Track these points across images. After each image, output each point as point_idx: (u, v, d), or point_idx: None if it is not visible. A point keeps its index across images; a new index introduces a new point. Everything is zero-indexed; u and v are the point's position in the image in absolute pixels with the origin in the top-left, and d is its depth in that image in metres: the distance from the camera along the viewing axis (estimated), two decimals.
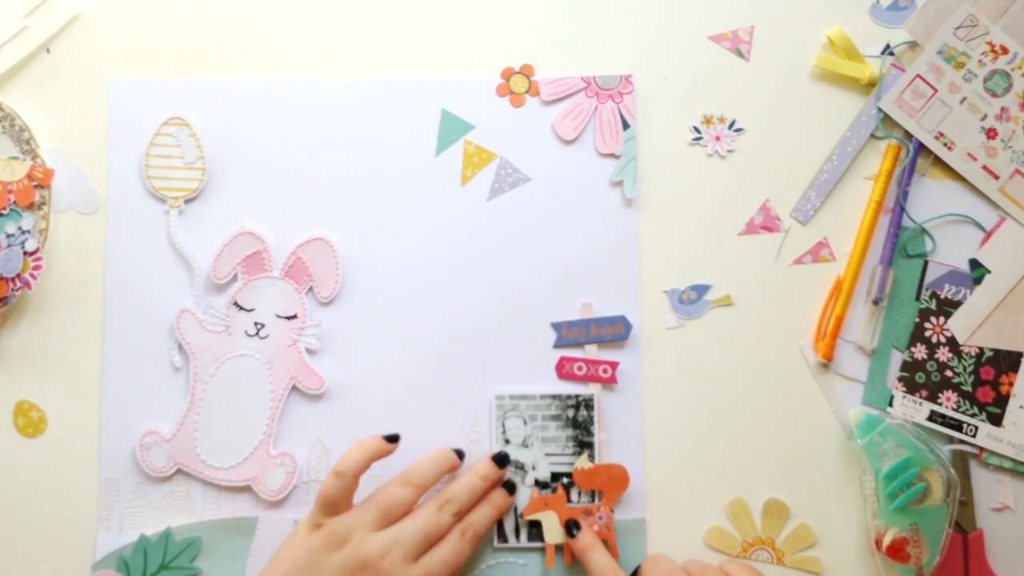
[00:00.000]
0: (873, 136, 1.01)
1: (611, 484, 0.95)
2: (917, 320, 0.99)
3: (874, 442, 0.96)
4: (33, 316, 0.99)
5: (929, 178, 1.01)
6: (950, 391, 0.98)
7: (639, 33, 1.03)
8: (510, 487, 0.95)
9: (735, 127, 1.02)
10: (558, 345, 0.99)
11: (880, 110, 1.01)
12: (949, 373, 0.98)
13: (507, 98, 1.01)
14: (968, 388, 0.98)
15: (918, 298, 1.00)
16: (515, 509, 0.96)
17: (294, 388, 0.97)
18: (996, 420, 0.98)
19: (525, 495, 0.96)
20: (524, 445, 0.96)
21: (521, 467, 0.96)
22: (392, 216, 1.00)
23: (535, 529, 0.96)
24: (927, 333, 0.99)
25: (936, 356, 0.99)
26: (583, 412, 0.97)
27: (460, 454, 0.95)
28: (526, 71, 1.02)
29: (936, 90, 1.01)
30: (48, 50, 1.01)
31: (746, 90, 1.02)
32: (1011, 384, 0.98)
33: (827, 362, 0.99)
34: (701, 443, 0.98)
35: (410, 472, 0.92)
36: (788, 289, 1.00)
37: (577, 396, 0.98)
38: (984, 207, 1.01)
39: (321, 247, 0.98)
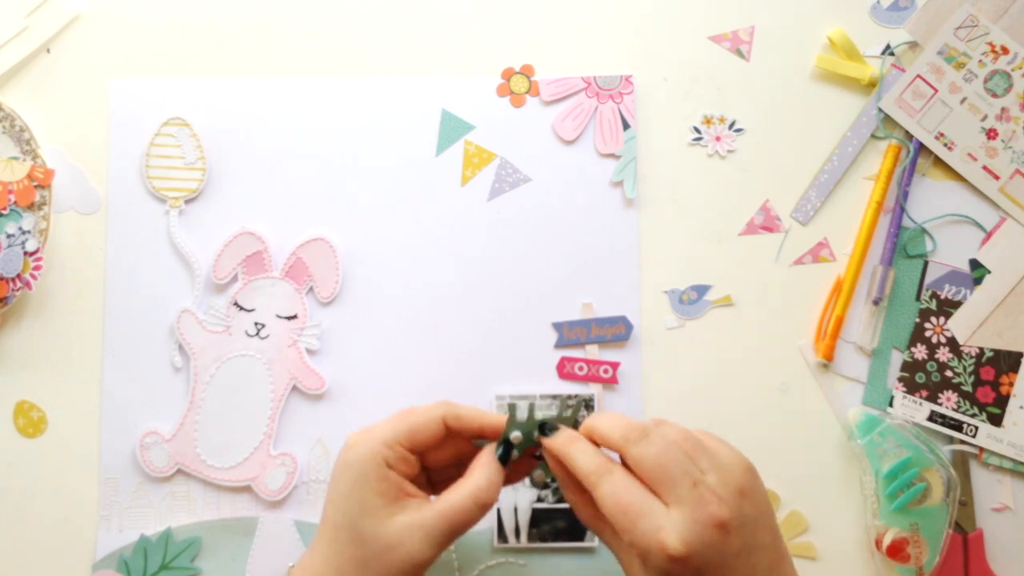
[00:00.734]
0: (873, 136, 1.01)
1: None
2: (917, 320, 0.99)
3: (874, 442, 0.96)
4: (33, 316, 0.99)
5: (929, 178, 1.01)
6: (950, 391, 0.98)
7: (639, 33, 1.03)
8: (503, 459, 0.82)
9: (735, 127, 1.02)
10: (559, 345, 0.99)
11: (880, 110, 1.01)
12: (949, 373, 0.98)
13: (507, 98, 1.01)
14: (968, 388, 0.98)
15: (918, 298, 1.00)
16: (515, 510, 0.96)
17: (294, 388, 0.97)
18: (996, 420, 0.98)
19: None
20: None
21: None
22: (392, 216, 1.00)
23: (535, 529, 0.96)
24: (927, 333, 0.99)
25: (936, 356, 0.99)
26: (583, 412, 0.97)
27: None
28: (526, 71, 1.02)
29: (936, 90, 1.01)
30: (48, 50, 1.01)
31: (746, 90, 1.02)
32: (1011, 384, 0.98)
33: (827, 362, 0.99)
34: None
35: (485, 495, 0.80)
36: (788, 289, 1.00)
37: (577, 396, 0.98)
38: (984, 207, 1.01)
39: (321, 247, 0.98)
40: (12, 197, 0.96)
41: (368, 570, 0.77)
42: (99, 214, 0.99)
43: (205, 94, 1.01)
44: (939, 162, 1.01)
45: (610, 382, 0.98)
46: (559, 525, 0.96)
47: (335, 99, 1.01)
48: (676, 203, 1.01)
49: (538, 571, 0.96)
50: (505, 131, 1.01)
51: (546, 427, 0.81)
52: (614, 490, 0.74)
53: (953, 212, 1.01)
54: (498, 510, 0.96)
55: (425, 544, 0.76)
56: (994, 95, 1.01)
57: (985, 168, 1.00)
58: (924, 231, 1.00)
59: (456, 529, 0.78)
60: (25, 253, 0.96)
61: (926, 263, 1.00)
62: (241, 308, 0.98)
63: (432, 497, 0.81)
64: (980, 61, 1.01)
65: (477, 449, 0.82)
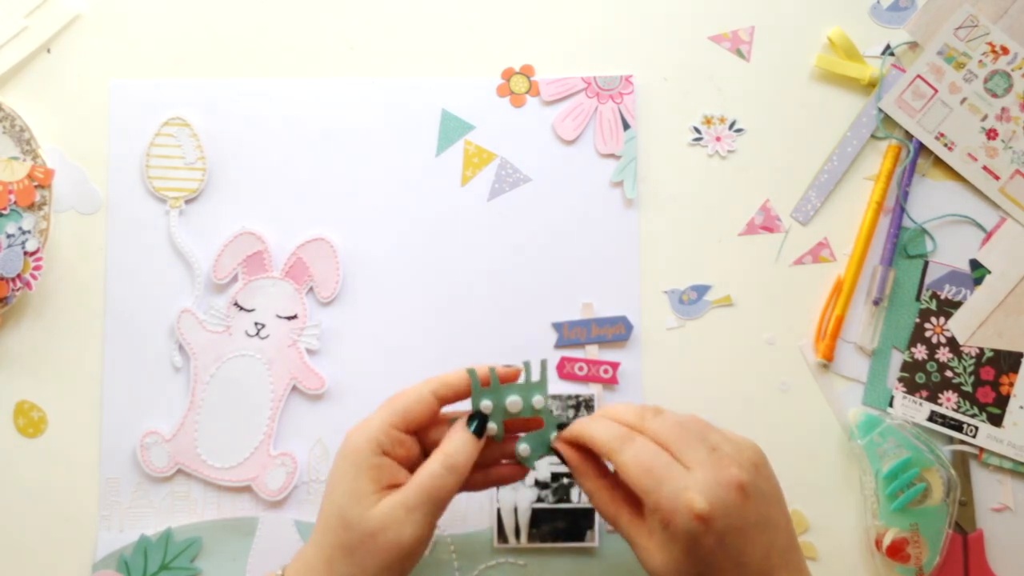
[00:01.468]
0: (873, 136, 1.01)
1: None
2: (917, 320, 0.99)
3: (874, 442, 0.96)
4: (33, 316, 0.99)
5: (929, 178, 1.01)
6: (950, 391, 0.98)
7: (639, 33, 1.03)
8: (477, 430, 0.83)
9: (735, 127, 1.02)
10: (559, 345, 0.99)
11: (880, 110, 1.01)
12: (949, 373, 0.98)
13: (507, 98, 1.01)
14: (968, 388, 0.98)
15: (918, 298, 1.00)
16: (515, 510, 0.96)
17: (294, 388, 0.97)
18: (996, 420, 0.98)
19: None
20: None
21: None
22: (392, 216, 1.00)
23: (535, 529, 0.96)
24: (927, 333, 0.99)
25: (936, 356, 0.99)
26: (583, 413, 0.97)
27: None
28: (526, 71, 1.02)
29: (936, 90, 1.01)
30: (48, 50, 1.01)
31: (746, 90, 1.02)
32: (1011, 384, 0.98)
33: (827, 362, 0.99)
34: None
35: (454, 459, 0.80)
36: (788, 289, 1.00)
37: (577, 397, 0.98)
38: (984, 207, 1.01)
39: (321, 247, 0.98)
40: (12, 197, 0.96)
41: (355, 556, 0.77)
42: (99, 214, 0.99)
43: (205, 94, 1.01)
44: (939, 162, 1.01)
45: (610, 382, 0.98)
46: (559, 525, 0.96)
47: (335, 99, 1.01)
48: (676, 203, 1.01)
49: (538, 571, 0.96)
50: (505, 131, 1.01)
51: (560, 425, 0.83)
52: (637, 453, 0.75)
53: (953, 212, 1.01)
54: (498, 510, 0.96)
55: (407, 521, 0.76)
56: (994, 95, 1.01)
57: (985, 168, 1.00)
58: (924, 231, 1.00)
59: (434, 499, 0.78)
60: (25, 253, 0.96)
61: (926, 263, 1.00)
62: (241, 308, 0.98)
63: None
64: (980, 61, 1.01)
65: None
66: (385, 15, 1.02)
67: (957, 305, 0.99)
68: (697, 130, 1.02)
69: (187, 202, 0.99)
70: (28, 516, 0.97)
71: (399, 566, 0.77)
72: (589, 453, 0.80)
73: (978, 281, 1.00)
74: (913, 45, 1.02)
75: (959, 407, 0.98)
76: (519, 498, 0.96)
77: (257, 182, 1.00)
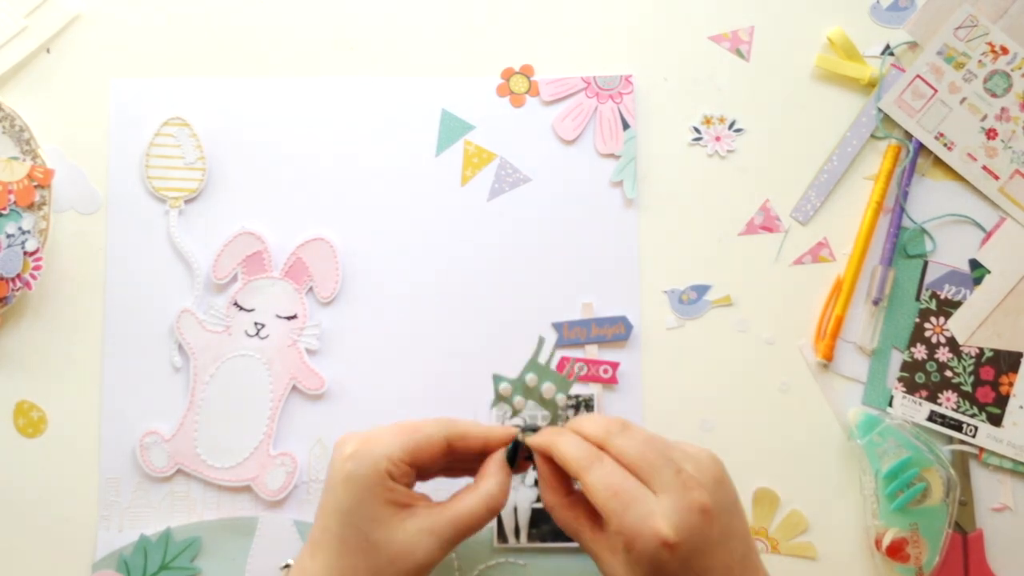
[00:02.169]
0: (873, 136, 1.01)
1: None
2: (917, 320, 0.99)
3: (874, 442, 0.96)
4: (33, 316, 0.99)
5: (929, 178, 1.01)
6: (950, 391, 0.98)
7: (639, 33, 1.03)
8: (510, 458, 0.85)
9: (735, 127, 1.02)
10: (559, 345, 0.99)
11: (880, 110, 1.01)
12: (949, 373, 0.98)
13: (507, 98, 1.01)
14: (968, 388, 0.98)
15: (918, 298, 1.00)
16: (515, 510, 0.97)
17: (294, 388, 0.97)
18: (996, 420, 0.98)
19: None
20: None
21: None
22: (392, 216, 1.00)
23: (535, 529, 0.96)
24: (927, 333, 0.99)
25: (936, 356, 0.99)
26: (583, 412, 0.97)
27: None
28: (526, 71, 1.02)
29: (936, 90, 1.01)
30: (48, 50, 1.01)
31: (746, 90, 1.02)
32: (1011, 384, 0.98)
33: (827, 362, 0.99)
34: (701, 443, 0.97)
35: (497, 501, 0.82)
36: (788, 289, 1.00)
37: (577, 396, 0.98)
38: (984, 207, 1.01)
39: (321, 247, 0.98)
40: (12, 197, 0.96)
41: None
42: (99, 214, 0.99)
43: (205, 94, 1.01)
44: (939, 162, 1.01)
45: (610, 382, 0.98)
46: None
47: (335, 99, 1.01)
48: (676, 203, 1.01)
49: (538, 571, 0.96)
50: (505, 131, 1.01)
51: (530, 429, 0.84)
52: (604, 476, 0.75)
53: (953, 212, 1.01)
54: None
55: (435, 547, 0.78)
56: (994, 95, 1.01)
57: (985, 168, 1.00)
58: (924, 231, 1.00)
59: (466, 533, 0.80)
60: (25, 253, 0.96)
61: (926, 263, 1.00)
62: (241, 308, 0.98)
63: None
64: (980, 61, 1.01)
65: (470, 460, 0.85)
66: (385, 15, 1.02)
67: (957, 305, 0.99)
68: (697, 130, 1.02)
69: (187, 202, 0.99)
70: (28, 516, 0.97)
71: None
72: (557, 466, 0.81)
73: (978, 281, 1.00)
74: (913, 45, 1.02)
75: (959, 407, 0.98)
76: (519, 498, 0.96)
77: (257, 182, 1.00)
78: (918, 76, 1.01)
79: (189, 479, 0.97)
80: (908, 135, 1.01)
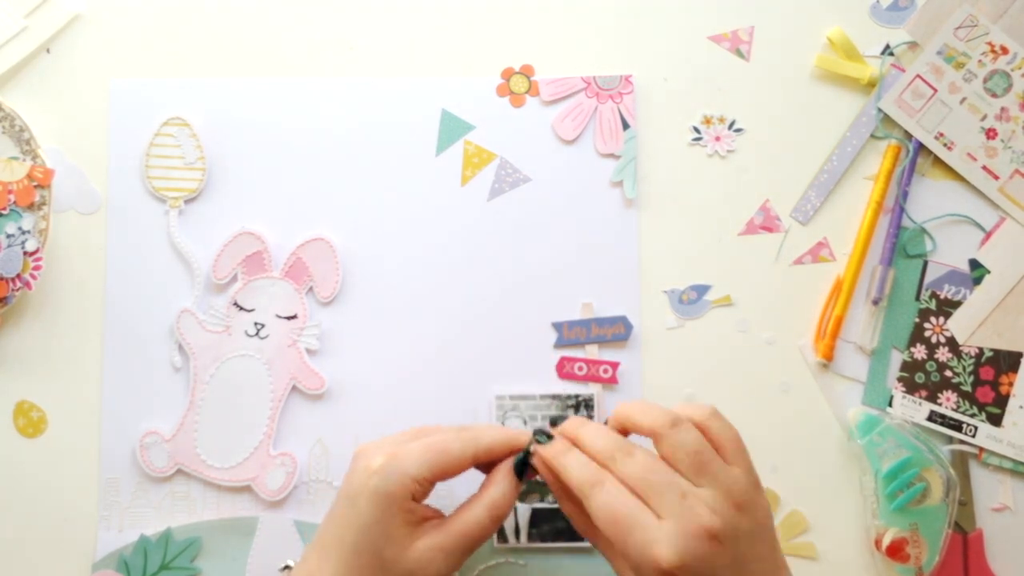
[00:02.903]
0: (873, 136, 1.01)
1: None
2: (917, 320, 0.99)
3: (874, 442, 0.96)
4: (33, 316, 0.99)
5: (929, 178, 1.01)
6: (950, 391, 0.98)
7: (639, 33, 1.03)
8: (518, 471, 0.83)
9: (735, 127, 1.02)
10: (559, 345, 0.99)
11: (880, 110, 1.01)
12: (949, 373, 0.98)
13: (507, 98, 1.01)
14: (968, 388, 0.98)
15: (918, 298, 1.00)
16: (515, 510, 0.96)
17: (294, 388, 0.97)
18: (996, 420, 0.98)
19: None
20: None
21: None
22: (392, 216, 1.00)
23: (535, 529, 0.96)
24: (927, 333, 0.99)
25: (936, 356, 0.99)
26: (583, 412, 0.97)
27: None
28: (526, 71, 1.02)
29: (936, 90, 1.01)
30: (48, 50, 1.01)
31: (746, 90, 1.02)
32: (1011, 384, 0.98)
33: (827, 362, 0.99)
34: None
35: (501, 510, 0.82)
36: (788, 289, 1.00)
37: (577, 396, 0.98)
38: (984, 207, 1.01)
39: (321, 247, 0.98)
40: (12, 197, 0.96)
41: None
42: (99, 214, 0.99)
43: (205, 94, 1.01)
44: (939, 162, 1.01)
45: (610, 382, 0.98)
46: (559, 525, 0.96)
47: (335, 99, 1.01)
48: (676, 203, 1.01)
49: (538, 571, 0.96)
50: (505, 131, 1.01)
51: (542, 433, 0.82)
52: (607, 501, 0.74)
53: (953, 212, 1.01)
54: None
55: (444, 565, 0.78)
56: (994, 95, 1.01)
57: (985, 168, 1.00)
58: (924, 231, 1.00)
59: (473, 546, 0.80)
60: (25, 253, 0.96)
61: (926, 263, 1.00)
62: (241, 308, 0.98)
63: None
64: (980, 61, 1.01)
65: (492, 466, 0.84)
66: (385, 15, 1.02)
67: (957, 305, 0.99)
68: (697, 130, 1.02)
69: (187, 202, 0.99)
70: (27, 516, 0.97)
71: None
72: None
73: (978, 281, 1.00)
74: (913, 45, 1.02)
75: (958, 407, 0.98)
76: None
77: (257, 182, 1.00)
78: (918, 76, 1.01)
79: (189, 479, 0.97)
80: (908, 135, 1.01)
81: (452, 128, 1.01)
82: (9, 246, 0.95)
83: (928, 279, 1.00)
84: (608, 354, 0.99)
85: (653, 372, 0.99)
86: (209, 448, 0.96)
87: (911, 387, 0.99)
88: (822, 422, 0.99)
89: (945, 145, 1.00)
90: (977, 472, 0.98)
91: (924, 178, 1.01)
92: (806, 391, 0.99)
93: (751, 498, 0.76)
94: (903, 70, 1.02)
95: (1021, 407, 0.98)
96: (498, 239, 1.00)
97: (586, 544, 0.95)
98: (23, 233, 0.96)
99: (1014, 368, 0.98)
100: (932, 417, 0.98)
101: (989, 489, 0.98)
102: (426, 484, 0.79)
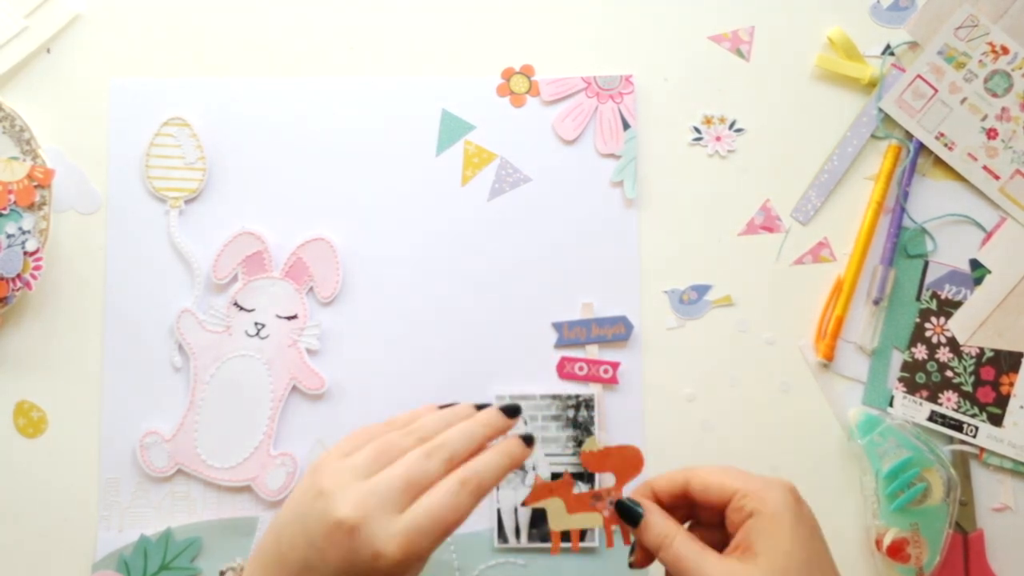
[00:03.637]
0: (873, 136, 1.01)
1: (623, 467, 0.84)
2: (917, 320, 0.99)
3: (874, 442, 0.96)
4: (33, 316, 0.99)
5: (929, 178, 1.01)
6: (950, 391, 0.98)
7: (639, 33, 1.03)
8: (527, 439, 0.79)
9: (735, 127, 1.02)
10: (559, 345, 0.99)
11: (880, 110, 1.01)
12: (949, 373, 0.98)
13: (507, 98, 1.01)
14: (968, 388, 0.98)
15: (918, 298, 1.00)
16: (515, 510, 0.96)
17: (294, 388, 0.97)
18: (996, 420, 0.98)
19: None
20: None
21: (522, 468, 0.96)
22: (392, 216, 1.00)
23: (535, 529, 0.96)
24: (927, 333, 0.99)
25: (936, 356, 0.99)
26: (583, 412, 0.97)
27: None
28: (526, 71, 1.02)
29: (936, 90, 1.01)
30: (48, 50, 1.01)
31: (746, 90, 1.02)
32: (1011, 384, 0.98)
33: (827, 362, 0.99)
34: (701, 443, 0.98)
35: (425, 428, 0.78)
36: (788, 289, 1.00)
37: (577, 396, 0.98)
38: (984, 207, 1.01)
39: (321, 247, 0.98)
40: (12, 197, 0.96)
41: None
42: (99, 214, 0.99)
43: (205, 94, 1.01)
44: (939, 162, 1.01)
45: (610, 382, 0.98)
46: None
47: (335, 99, 1.01)
48: (676, 203, 1.01)
49: (538, 571, 0.96)
50: (505, 131, 1.01)
51: (626, 509, 0.78)
52: (710, 471, 0.76)
53: (953, 212, 1.01)
54: (498, 510, 0.96)
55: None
56: (994, 95, 1.01)
57: (985, 168, 1.00)
58: (924, 231, 1.00)
59: (443, 526, 0.72)
60: (25, 253, 0.96)
61: (926, 263, 1.00)
62: (241, 308, 0.98)
63: None
64: (980, 61, 1.01)
65: None
66: (385, 15, 1.02)
67: (957, 305, 0.99)
68: (697, 130, 1.02)
69: (187, 202, 0.99)
70: (28, 516, 0.97)
71: None
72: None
73: (978, 281, 1.00)
74: (913, 45, 1.02)
75: (959, 407, 0.98)
76: (519, 498, 0.96)
77: (257, 182, 1.00)
78: (918, 76, 1.01)
79: (189, 479, 0.97)
80: (908, 135, 1.01)
81: (452, 128, 1.01)
82: (9, 246, 0.95)
83: (929, 279, 1.00)
84: (608, 354, 0.99)
85: (653, 372, 0.99)
86: (209, 448, 0.96)
87: (912, 387, 0.99)
88: (822, 422, 0.99)
89: (946, 145, 1.00)
90: (978, 472, 0.98)
91: (925, 178, 1.01)
92: (806, 391, 0.99)
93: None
94: (904, 70, 1.02)
95: (1022, 407, 0.98)
96: (498, 239, 1.00)
97: (586, 544, 0.95)
98: (23, 233, 0.96)
99: (1015, 368, 0.98)
100: (933, 417, 0.98)
101: (990, 489, 0.98)
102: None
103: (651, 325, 1.00)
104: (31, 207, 0.97)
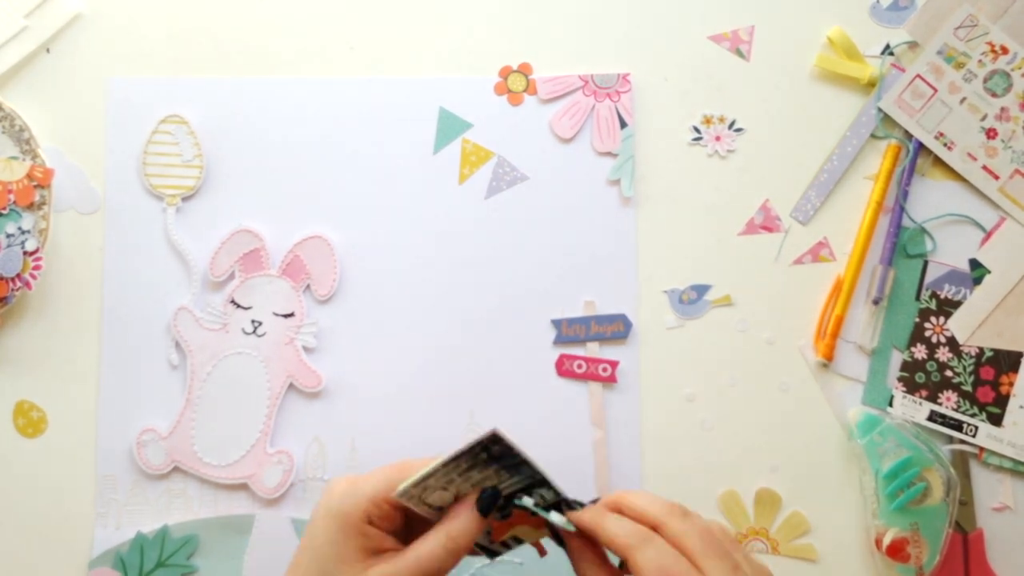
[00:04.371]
0: (873, 136, 1.01)
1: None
2: (917, 320, 0.99)
3: (874, 442, 0.95)
4: (33, 316, 0.99)
5: (929, 178, 1.01)
6: (950, 391, 0.98)
7: (639, 33, 1.03)
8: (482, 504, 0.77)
9: (735, 127, 1.02)
10: (558, 342, 0.99)
11: (880, 110, 1.01)
12: (949, 373, 0.98)
13: (505, 96, 1.01)
14: (968, 388, 0.98)
15: (918, 298, 1.00)
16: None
17: (291, 386, 0.97)
18: (996, 420, 0.97)
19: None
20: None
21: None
22: (390, 214, 1.00)
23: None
24: (927, 333, 0.99)
25: (936, 356, 0.99)
26: (495, 447, 0.86)
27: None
28: (524, 69, 1.02)
29: (936, 90, 1.01)
30: (48, 50, 1.01)
31: (746, 90, 1.02)
32: (1011, 384, 0.98)
33: (827, 362, 0.99)
34: (700, 443, 0.98)
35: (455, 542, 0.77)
36: (788, 289, 1.00)
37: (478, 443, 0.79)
38: (984, 207, 1.01)
39: (319, 245, 0.98)
40: (12, 197, 0.97)
41: None
42: (98, 214, 0.99)
43: (203, 92, 1.01)
44: (939, 162, 1.01)
45: (609, 380, 0.98)
46: None
47: (333, 97, 1.01)
48: (676, 203, 1.01)
49: (537, 571, 0.96)
50: (503, 129, 1.01)
51: (568, 504, 0.77)
52: (657, 555, 0.71)
53: (953, 212, 1.01)
54: None
55: None
56: (994, 95, 1.01)
57: (985, 168, 1.00)
58: (924, 231, 1.00)
59: None
60: (25, 253, 0.96)
61: (926, 263, 1.00)
62: (238, 306, 0.98)
63: None
64: (980, 61, 1.01)
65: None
66: (383, 14, 1.03)
67: (957, 305, 0.99)
68: (697, 129, 1.02)
69: (184, 200, 0.99)
70: (25, 515, 0.97)
71: None
72: (588, 539, 0.77)
73: (978, 281, 1.00)
74: (913, 45, 1.02)
75: (959, 407, 0.98)
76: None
77: (254, 180, 1.00)
78: (918, 76, 1.01)
79: (186, 476, 0.97)
80: (908, 135, 1.01)
81: (450, 126, 1.01)
82: (9, 246, 0.96)
83: (928, 279, 1.00)
84: (608, 353, 0.99)
85: (652, 372, 0.99)
86: (206, 446, 0.96)
87: (911, 387, 0.98)
88: (822, 422, 0.99)
89: (945, 145, 1.00)
90: (977, 472, 0.98)
91: (924, 178, 1.01)
92: (806, 391, 0.99)
93: None
94: (903, 70, 1.02)
95: (1021, 407, 0.97)
96: (496, 237, 1.00)
97: None
98: (23, 233, 0.96)
99: (1014, 368, 0.98)
100: (932, 417, 0.98)
101: (989, 489, 0.98)
102: (383, 505, 0.76)
103: (650, 324, 1.00)
104: (31, 207, 0.98)
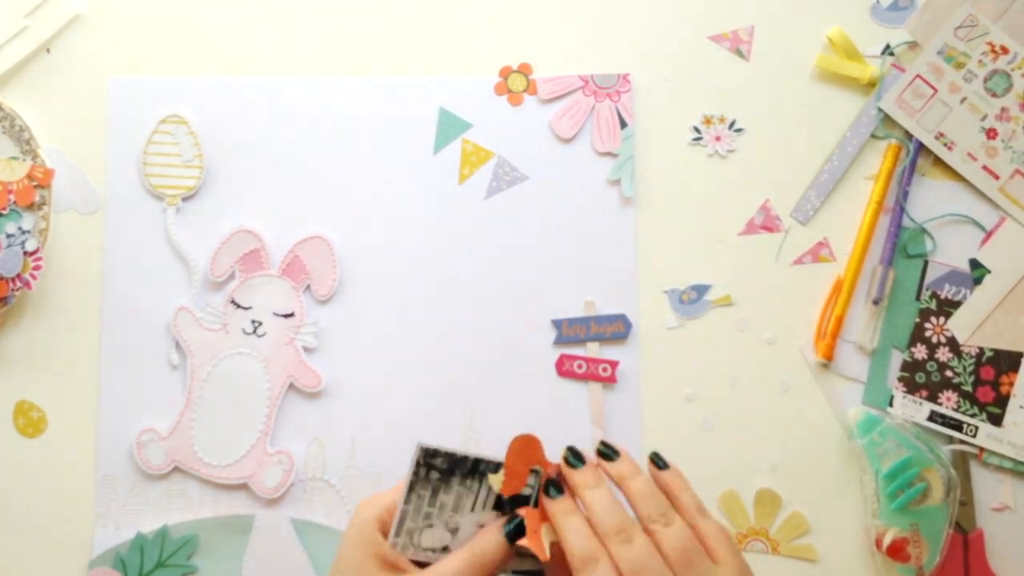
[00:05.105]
0: (873, 136, 1.01)
1: (525, 457, 0.77)
2: (917, 320, 0.99)
3: (874, 442, 0.95)
4: (33, 316, 0.99)
5: (929, 178, 1.01)
6: (950, 391, 0.98)
7: (639, 33, 1.03)
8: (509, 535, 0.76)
9: (735, 127, 1.02)
10: (558, 342, 0.99)
11: (880, 110, 1.01)
12: (949, 373, 0.98)
13: (505, 97, 1.01)
14: (968, 388, 0.98)
15: (918, 298, 0.99)
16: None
17: (291, 386, 0.97)
18: (996, 420, 0.97)
19: None
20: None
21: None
22: (390, 214, 1.00)
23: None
24: (927, 333, 0.99)
25: (936, 356, 0.99)
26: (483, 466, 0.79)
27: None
28: (524, 70, 1.02)
29: (936, 90, 1.01)
30: (48, 50, 1.01)
31: (746, 90, 1.02)
32: (1011, 384, 0.98)
33: (827, 362, 0.99)
34: (700, 443, 0.98)
35: (484, 556, 0.75)
36: (788, 289, 1.00)
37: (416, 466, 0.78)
38: (984, 207, 1.01)
39: (319, 245, 0.98)
40: (12, 197, 0.97)
41: None
42: (98, 214, 0.99)
43: (203, 92, 1.01)
44: (939, 162, 1.01)
45: (609, 380, 0.98)
46: None
47: (333, 97, 1.01)
48: (676, 202, 1.01)
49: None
50: (503, 129, 1.01)
51: (554, 485, 0.76)
52: None
53: (953, 212, 1.01)
54: None
55: None
56: (994, 95, 1.01)
57: (985, 168, 1.00)
58: (924, 231, 1.00)
59: None
60: (25, 253, 0.96)
61: (926, 263, 1.00)
62: (238, 306, 0.98)
63: None
64: (980, 61, 1.01)
65: None
66: (383, 14, 1.03)
67: (957, 305, 0.99)
68: (697, 130, 1.02)
69: (184, 200, 0.99)
70: (25, 515, 0.97)
71: None
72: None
73: (978, 281, 1.00)
74: (913, 45, 1.02)
75: (959, 407, 0.98)
76: None
77: (254, 180, 1.00)
78: (918, 76, 1.01)
79: (186, 476, 0.97)
80: (908, 135, 1.01)
81: (450, 126, 1.01)
82: (9, 246, 0.96)
83: (928, 279, 1.00)
84: (608, 353, 0.99)
85: (652, 372, 0.99)
86: (206, 446, 0.96)
87: (911, 387, 0.98)
88: (822, 422, 0.99)
89: (945, 145, 1.00)
90: (977, 472, 0.98)
91: (924, 178, 1.01)
92: (806, 391, 0.99)
93: None
94: (903, 70, 1.02)
95: (1021, 407, 0.97)
96: (496, 237, 1.00)
97: None
98: (23, 233, 0.96)
99: (1015, 368, 0.98)
100: (932, 417, 0.98)
101: (990, 489, 0.98)
102: None
103: (650, 324, 1.00)
104: (31, 207, 0.98)
